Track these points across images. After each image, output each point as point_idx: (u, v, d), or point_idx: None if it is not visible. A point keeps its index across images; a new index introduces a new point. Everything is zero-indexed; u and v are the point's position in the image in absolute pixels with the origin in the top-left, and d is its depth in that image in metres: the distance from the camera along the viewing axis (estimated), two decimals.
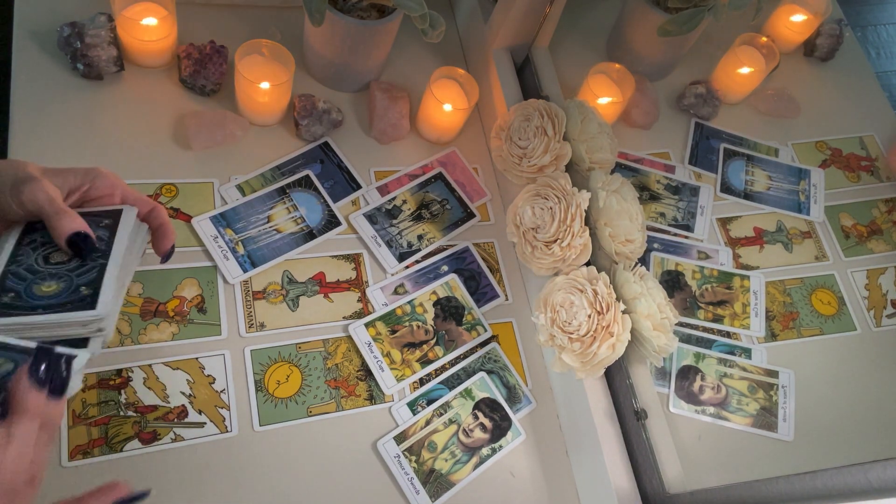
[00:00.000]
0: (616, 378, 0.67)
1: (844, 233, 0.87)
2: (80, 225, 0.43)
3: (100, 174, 0.48)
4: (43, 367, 0.34)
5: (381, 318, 0.70)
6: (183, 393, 0.61)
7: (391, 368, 0.68)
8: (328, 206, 0.74)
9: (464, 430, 0.67)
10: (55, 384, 0.34)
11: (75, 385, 0.37)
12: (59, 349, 0.36)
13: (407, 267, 0.74)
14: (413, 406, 0.67)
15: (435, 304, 0.73)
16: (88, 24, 0.69)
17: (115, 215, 0.46)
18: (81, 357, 0.37)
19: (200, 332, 0.64)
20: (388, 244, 0.74)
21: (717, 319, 0.77)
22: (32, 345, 0.36)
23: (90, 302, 0.40)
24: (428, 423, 0.66)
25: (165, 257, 0.50)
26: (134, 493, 0.39)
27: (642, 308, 0.61)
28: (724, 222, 0.84)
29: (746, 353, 0.76)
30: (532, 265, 0.70)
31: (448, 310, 0.73)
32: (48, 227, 0.44)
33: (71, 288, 0.41)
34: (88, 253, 0.43)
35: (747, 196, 0.87)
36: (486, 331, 0.73)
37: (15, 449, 0.32)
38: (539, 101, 0.74)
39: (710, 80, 0.93)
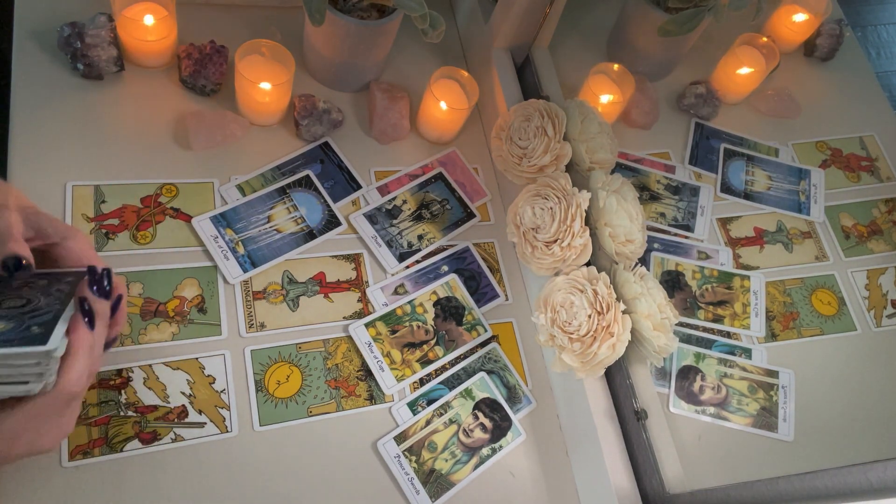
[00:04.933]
0: (616, 378, 0.66)
1: (845, 233, 0.87)
2: (22, 249, 0.43)
3: (75, 236, 0.47)
4: (96, 279, 0.45)
5: (381, 318, 0.70)
6: (183, 393, 0.61)
7: (391, 368, 0.68)
8: (328, 206, 0.74)
9: (464, 430, 0.67)
10: (107, 290, 0.45)
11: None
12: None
13: (407, 267, 0.74)
14: (413, 406, 0.67)
15: (435, 305, 0.73)
16: (88, 24, 0.69)
17: (79, 275, 0.46)
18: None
19: (200, 332, 0.64)
20: (389, 244, 0.74)
21: (718, 319, 0.77)
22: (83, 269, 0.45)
23: (41, 338, 0.39)
24: (428, 423, 0.66)
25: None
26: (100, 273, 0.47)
27: (642, 308, 0.61)
28: (725, 222, 0.84)
29: (746, 353, 0.76)
30: (532, 265, 0.70)
31: (448, 310, 0.73)
32: None
33: (21, 327, 0.40)
34: (20, 272, 0.43)
35: (747, 196, 0.87)
36: (486, 331, 0.73)
37: (97, 344, 0.44)
38: (539, 101, 0.73)
39: (710, 80, 0.93)
